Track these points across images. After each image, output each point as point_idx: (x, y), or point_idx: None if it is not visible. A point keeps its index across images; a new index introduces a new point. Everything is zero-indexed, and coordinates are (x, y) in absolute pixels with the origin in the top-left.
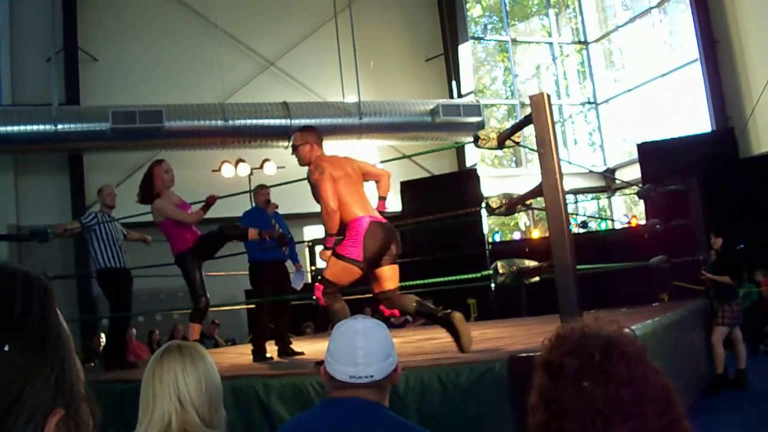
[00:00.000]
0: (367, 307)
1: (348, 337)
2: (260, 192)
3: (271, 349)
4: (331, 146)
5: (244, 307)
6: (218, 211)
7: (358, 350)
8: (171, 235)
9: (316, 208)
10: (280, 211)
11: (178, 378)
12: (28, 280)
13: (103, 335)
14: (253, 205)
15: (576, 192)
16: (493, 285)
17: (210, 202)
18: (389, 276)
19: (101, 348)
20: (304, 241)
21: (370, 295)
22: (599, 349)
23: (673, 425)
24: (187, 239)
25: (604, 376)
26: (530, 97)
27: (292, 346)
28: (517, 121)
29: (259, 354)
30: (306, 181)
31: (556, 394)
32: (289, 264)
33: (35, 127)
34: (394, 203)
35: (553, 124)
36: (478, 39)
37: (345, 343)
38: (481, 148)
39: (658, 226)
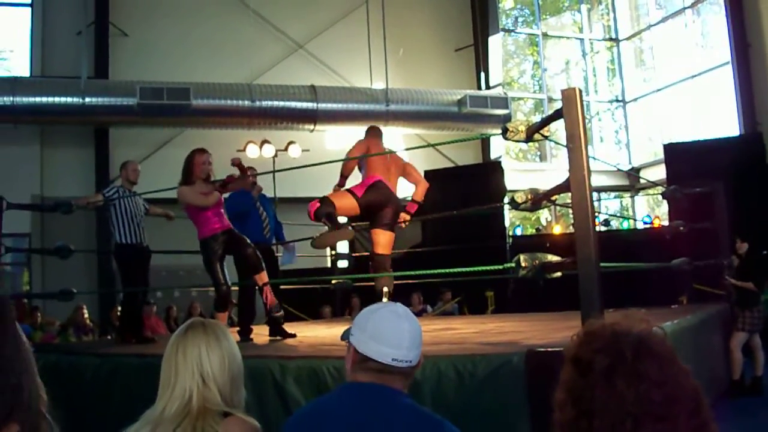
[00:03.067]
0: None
1: (392, 320)
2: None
3: (264, 331)
4: (357, 132)
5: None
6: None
7: (404, 333)
8: (195, 220)
9: None
10: (303, 194)
11: (202, 354)
12: None
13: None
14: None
15: (600, 190)
16: (513, 278)
17: (228, 181)
18: (380, 241)
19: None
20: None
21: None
22: (631, 348)
23: (701, 428)
24: (212, 226)
25: (635, 376)
26: (562, 91)
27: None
28: (545, 115)
29: (244, 335)
30: (328, 164)
31: (586, 392)
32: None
33: (63, 99)
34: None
35: (584, 119)
36: (509, 31)
37: (390, 326)
38: (509, 140)
39: (681, 228)
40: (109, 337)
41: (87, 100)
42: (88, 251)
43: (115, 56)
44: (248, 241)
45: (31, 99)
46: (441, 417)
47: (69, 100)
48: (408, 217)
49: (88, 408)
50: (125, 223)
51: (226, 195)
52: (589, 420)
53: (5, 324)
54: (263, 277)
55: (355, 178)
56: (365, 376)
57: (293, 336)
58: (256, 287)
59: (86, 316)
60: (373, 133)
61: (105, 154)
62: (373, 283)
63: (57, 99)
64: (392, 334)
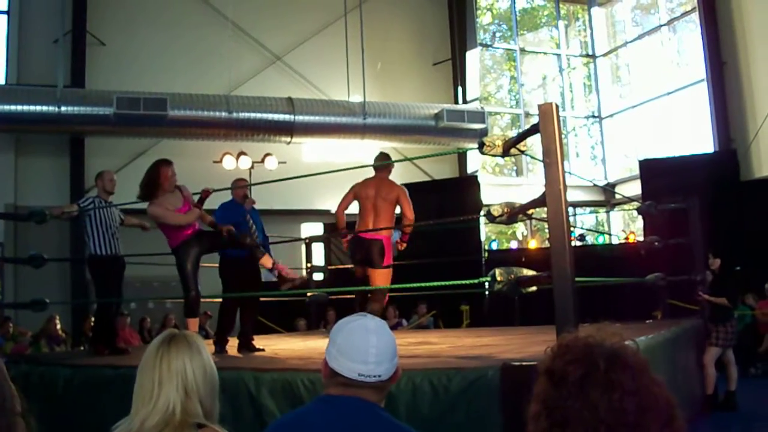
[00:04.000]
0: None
1: (360, 334)
2: (239, 186)
3: (233, 344)
4: (333, 145)
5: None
6: (214, 203)
7: (371, 349)
8: (167, 233)
9: (314, 205)
10: (280, 206)
11: (187, 366)
12: None
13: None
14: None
15: (576, 205)
16: (488, 292)
17: (204, 197)
18: (373, 279)
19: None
20: (301, 239)
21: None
22: (604, 359)
23: None
24: (183, 234)
25: (608, 386)
26: (539, 106)
27: (254, 342)
28: (522, 130)
29: (219, 345)
30: (304, 177)
31: (560, 403)
32: None
33: (39, 108)
34: None
35: (560, 134)
36: (487, 46)
37: (357, 341)
38: (486, 154)
39: (656, 243)
40: (82, 348)
41: (63, 109)
42: (61, 260)
43: (91, 65)
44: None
45: (6, 107)
46: (415, 431)
47: (45, 108)
48: (403, 246)
49: (60, 419)
50: (100, 233)
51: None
52: (562, 430)
53: None
54: (267, 260)
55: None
56: (336, 390)
57: (262, 350)
58: (272, 270)
59: (59, 326)
60: (376, 175)
61: (80, 163)
62: (349, 296)
63: (32, 107)
64: (358, 349)
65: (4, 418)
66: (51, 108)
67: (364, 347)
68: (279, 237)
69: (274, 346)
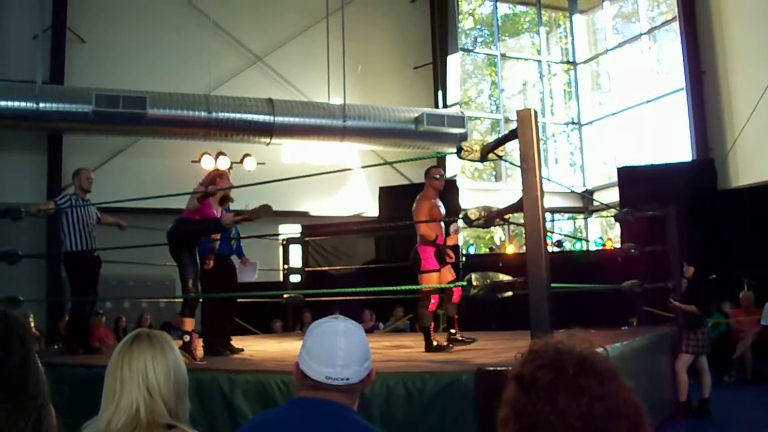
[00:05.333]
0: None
1: (329, 337)
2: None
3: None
4: (313, 147)
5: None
6: (182, 202)
7: (338, 351)
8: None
9: (292, 207)
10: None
11: (148, 366)
12: (7, 321)
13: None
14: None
15: (553, 211)
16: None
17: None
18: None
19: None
20: (278, 235)
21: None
22: (573, 364)
23: None
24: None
25: (577, 390)
26: (517, 112)
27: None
28: (501, 135)
29: (212, 348)
30: (284, 180)
31: (529, 408)
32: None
33: (16, 104)
34: (372, 208)
35: (538, 140)
36: (468, 51)
37: (325, 343)
38: (464, 159)
39: (633, 251)
40: (56, 347)
41: (41, 105)
42: (36, 257)
43: (71, 62)
44: None
45: None
46: None
47: (23, 104)
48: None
49: None
50: (76, 231)
51: None
52: None
53: (32, 345)
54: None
55: None
56: (307, 393)
57: (241, 350)
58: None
59: (33, 324)
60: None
61: (58, 160)
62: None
63: (10, 103)
64: (325, 351)
65: (35, 410)
66: (29, 104)
67: (332, 350)
68: (256, 238)
69: (250, 347)
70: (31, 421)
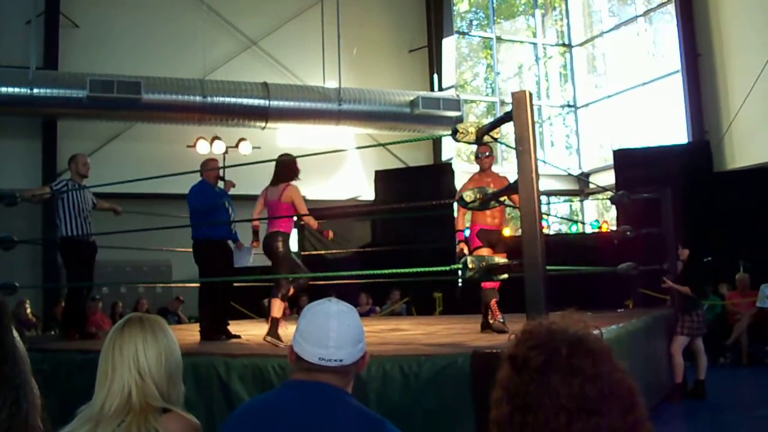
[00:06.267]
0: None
1: (321, 318)
2: (211, 167)
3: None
4: (308, 130)
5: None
6: (177, 187)
7: (330, 332)
8: (281, 216)
9: None
10: (255, 191)
11: (138, 350)
12: None
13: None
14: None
15: (549, 193)
16: (460, 280)
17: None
18: None
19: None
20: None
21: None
22: (566, 345)
23: (636, 425)
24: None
25: (569, 371)
26: (512, 94)
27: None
28: (496, 117)
29: (217, 333)
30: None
31: (521, 388)
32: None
33: (10, 90)
34: (368, 192)
35: (533, 122)
36: (463, 34)
37: (317, 324)
38: (459, 141)
39: (629, 233)
40: (52, 333)
41: (35, 91)
42: (31, 242)
43: (65, 47)
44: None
45: None
46: (382, 417)
47: (17, 90)
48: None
49: None
50: (72, 217)
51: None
52: (523, 415)
53: (9, 323)
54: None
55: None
56: (301, 375)
57: (238, 337)
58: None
59: (29, 310)
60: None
61: (52, 146)
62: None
63: (4, 89)
64: (318, 332)
65: (12, 390)
66: (23, 90)
67: (325, 331)
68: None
69: (247, 331)
70: (7, 405)
